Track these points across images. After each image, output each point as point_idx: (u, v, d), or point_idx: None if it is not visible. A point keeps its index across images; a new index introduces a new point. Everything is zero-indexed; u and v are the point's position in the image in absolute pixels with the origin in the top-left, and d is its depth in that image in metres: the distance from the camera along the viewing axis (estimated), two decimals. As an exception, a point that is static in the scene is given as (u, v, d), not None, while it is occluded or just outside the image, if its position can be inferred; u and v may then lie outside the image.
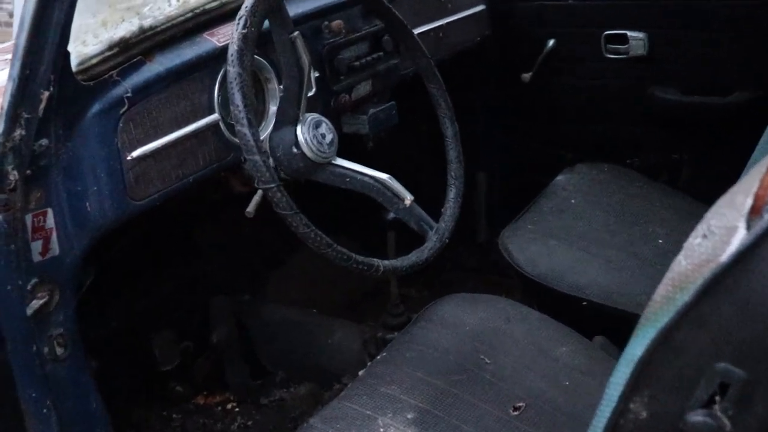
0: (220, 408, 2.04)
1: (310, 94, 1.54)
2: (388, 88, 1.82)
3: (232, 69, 1.17)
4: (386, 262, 1.34)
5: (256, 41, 1.23)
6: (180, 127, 1.33)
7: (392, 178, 1.40)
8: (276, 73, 1.45)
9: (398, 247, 1.86)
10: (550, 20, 2.22)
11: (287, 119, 1.36)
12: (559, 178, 2.10)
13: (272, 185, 1.19)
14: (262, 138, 1.40)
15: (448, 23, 2.03)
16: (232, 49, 1.19)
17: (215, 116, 1.38)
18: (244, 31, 1.20)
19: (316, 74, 1.58)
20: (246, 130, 1.17)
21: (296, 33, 1.32)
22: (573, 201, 1.99)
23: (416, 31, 1.89)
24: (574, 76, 2.26)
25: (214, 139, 1.39)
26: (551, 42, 2.22)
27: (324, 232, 1.27)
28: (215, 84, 1.38)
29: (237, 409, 2.03)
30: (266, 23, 1.34)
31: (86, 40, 1.21)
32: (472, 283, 2.56)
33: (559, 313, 1.63)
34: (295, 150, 1.35)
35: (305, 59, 1.33)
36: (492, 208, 2.53)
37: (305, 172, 1.37)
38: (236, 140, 1.43)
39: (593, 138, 2.31)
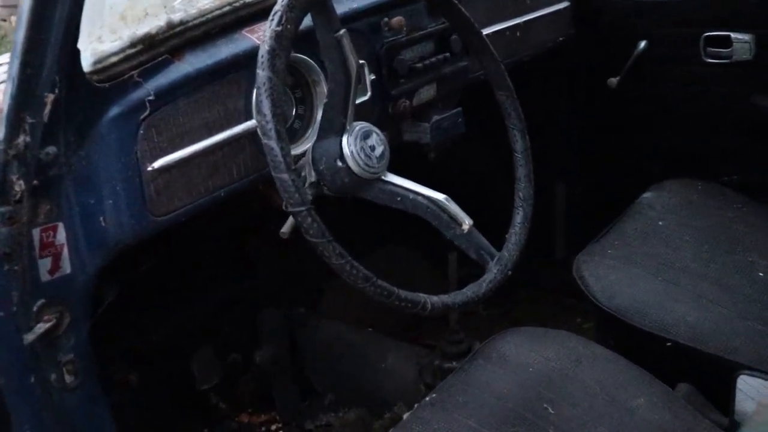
0: (264, 428, 1.91)
1: (364, 98, 1.39)
2: (455, 93, 1.65)
3: (261, 72, 1.02)
4: (435, 298, 1.17)
5: (294, 40, 1.08)
6: (211, 134, 1.19)
7: (449, 199, 1.23)
8: (325, 76, 1.29)
9: (462, 266, 1.69)
10: (642, 19, 2.00)
11: (332, 128, 1.21)
12: (646, 195, 1.88)
13: (301, 208, 1.03)
14: (304, 149, 1.26)
15: (526, 21, 1.84)
16: (263, 50, 1.04)
17: (252, 122, 1.23)
18: (278, 28, 1.04)
19: (372, 77, 1.42)
20: (273, 144, 1.01)
21: (342, 32, 1.16)
22: (660, 223, 1.78)
23: (490, 29, 1.71)
24: (667, 82, 2.04)
25: (251, 148, 1.25)
26: (642, 44, 2.00)
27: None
28: (253, 87, 1.23)
29: (281, 432, 1.90)
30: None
31: (102, 36, 1.08)
32: (546, 304, 2.37)
33: (638, 353, 1.44)
34: (339, 163, 1.19)
35: (353, 61, 1.17)
36: (571, 222, 2.33)
37: (350, 188, 1.21)
38: None
39: (686, 151, 2.08)
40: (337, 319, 2.04)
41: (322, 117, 1.23)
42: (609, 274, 1.62)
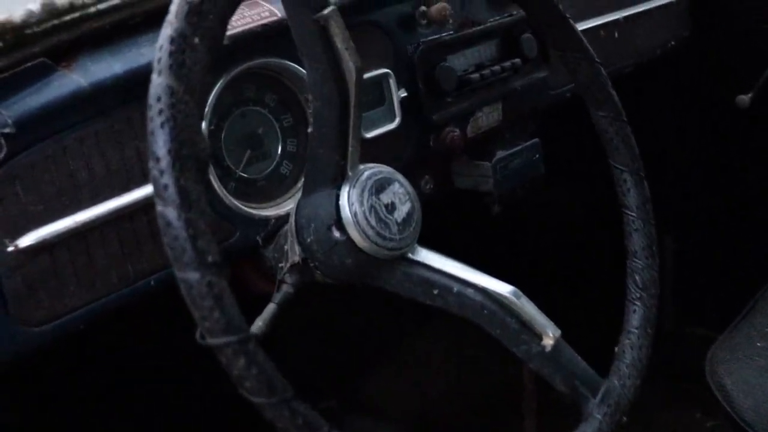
0: None
1: (390, 126, 0.93)
2: (528, 118, 1.16)
3: (155, 78, 0.55)
4: None
5: (225, 23, 0.60)
6: (126, 188, 0.73)
7: (520, 294, 0.74)
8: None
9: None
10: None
11: (323, 176, 0.74)
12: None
13: (228, 339, 0.54)
14: (286, 209, 0.80)
15: (627, 18, 1.34)
16: (164, 36, 0.56)
17: (202, 168, 0.76)
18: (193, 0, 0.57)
19: (402, 93, 0.94)
20: (171, 214, 0.53)
21: (330, 9, 0.68)
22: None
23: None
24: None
25: (202, 209, 0.78)
26: (787, 48, 1.48)
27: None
28: (203, 111, 0.78)
29: None
30: None
31: None
32: (653, 389, 1.83)
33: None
34: (335, 234, 0.72)
35: (350, 61, 0.69)
36: (684, 286, 1.79)
37: (355, 272, 0.74)
38: (241, 208, 0.82)
39: None
40: (381, 417, 1.63)
41: (308, 157, 0.75)
42: (764, 380, 1.09)
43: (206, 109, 0.78)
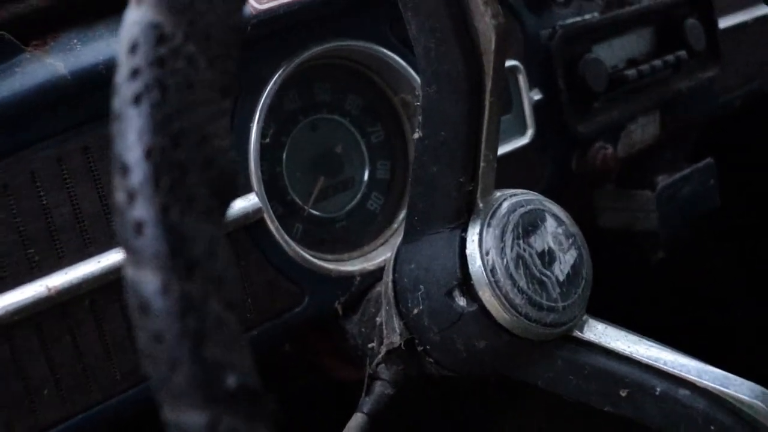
0: None
1: (521, 142, 0.66)
2: (693, 130, 0.87)
3: (132, 14, 0.28)
4: None
5: None
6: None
7: (766, 393, 0.45)
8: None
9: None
10: None
11: (438, 209, 0.46)
12: None
13: None
14: (378, 261, 0.53)
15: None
16: None
17: (252, 200, 0.51)
18: None
19: (536, 96, 0.67)
20: (149, 284, 0.23)
21: None
22: None
23: (726, 20, 0.92)
24: None
25: (252, 259, 0.52)
26: None
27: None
28: (253, 116, 0.52)
29: None
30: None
31: None
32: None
33: None
34: (459, 302, 0.45)
35: (487, 17, 0.42)
36: None
37: (490, 361, 0.48)
38: (311, 262, 0.55)
39: None
40: None
41: (412, 180, 0.48)
42: None
43: (257, 113, 0.52)
